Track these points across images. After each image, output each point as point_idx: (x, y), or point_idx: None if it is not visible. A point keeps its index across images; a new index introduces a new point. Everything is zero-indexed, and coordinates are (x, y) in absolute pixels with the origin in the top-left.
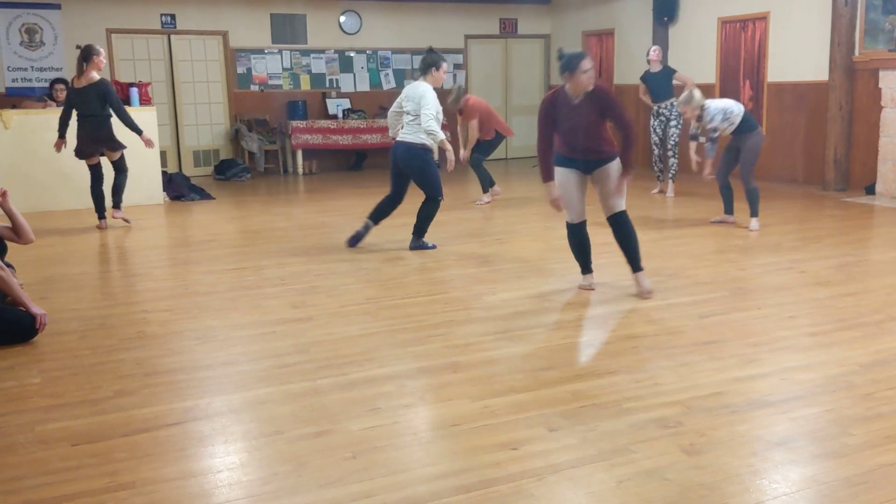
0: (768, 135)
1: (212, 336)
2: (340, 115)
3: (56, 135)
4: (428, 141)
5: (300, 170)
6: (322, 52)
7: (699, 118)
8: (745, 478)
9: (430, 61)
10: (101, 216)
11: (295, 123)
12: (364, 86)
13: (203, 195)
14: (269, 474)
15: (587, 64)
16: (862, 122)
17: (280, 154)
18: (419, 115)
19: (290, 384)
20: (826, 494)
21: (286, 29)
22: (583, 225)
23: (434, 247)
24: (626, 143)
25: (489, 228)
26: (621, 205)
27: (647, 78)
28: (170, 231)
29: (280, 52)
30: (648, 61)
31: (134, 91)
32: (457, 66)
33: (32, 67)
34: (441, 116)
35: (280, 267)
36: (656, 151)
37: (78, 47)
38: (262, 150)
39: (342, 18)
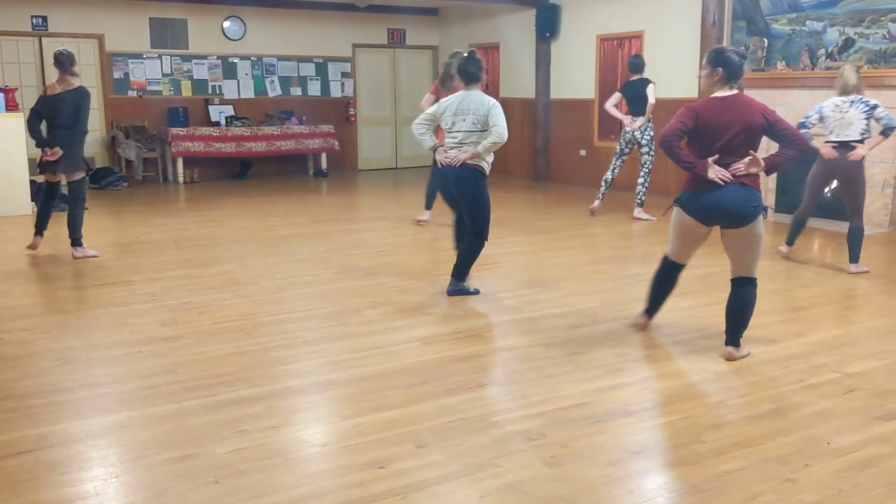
0: None
1: (73, 357)
2: (223, 122)
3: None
4: (484, 165)
5: (181, 178)
6: (204, 57)
7: None
8: (601, 488)
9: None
10: (39, 232)
11: (175, 130)
12: (248, 93)
13: None
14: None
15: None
16: None
17: (160, 162)
18: (480, 131)
19: (154, 407)
20: (675, 502)
21: (166, 33)
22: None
23: (477, 292)
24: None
25: (373, 240)
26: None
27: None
28: None
29: (160, 56)
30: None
31: (0, 96)
32: (344, 75)
33: None
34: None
35: (151, 282)
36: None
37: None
38: (141, 157)
39: (225, 24)
